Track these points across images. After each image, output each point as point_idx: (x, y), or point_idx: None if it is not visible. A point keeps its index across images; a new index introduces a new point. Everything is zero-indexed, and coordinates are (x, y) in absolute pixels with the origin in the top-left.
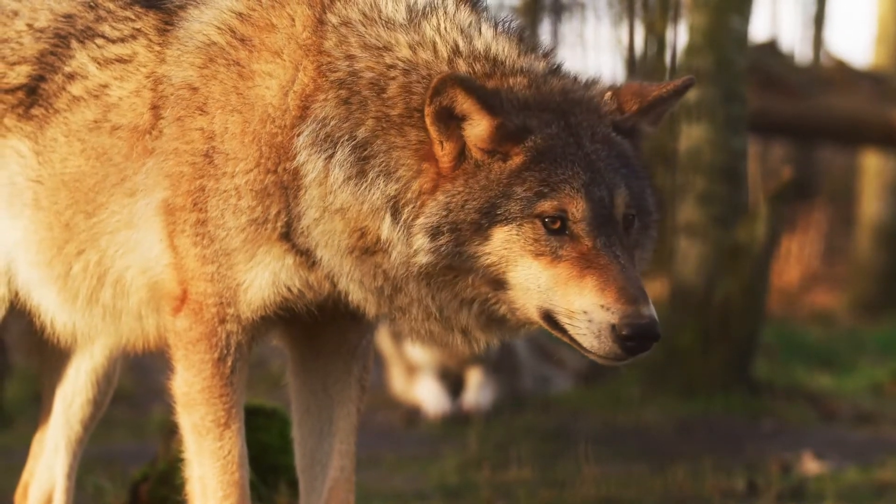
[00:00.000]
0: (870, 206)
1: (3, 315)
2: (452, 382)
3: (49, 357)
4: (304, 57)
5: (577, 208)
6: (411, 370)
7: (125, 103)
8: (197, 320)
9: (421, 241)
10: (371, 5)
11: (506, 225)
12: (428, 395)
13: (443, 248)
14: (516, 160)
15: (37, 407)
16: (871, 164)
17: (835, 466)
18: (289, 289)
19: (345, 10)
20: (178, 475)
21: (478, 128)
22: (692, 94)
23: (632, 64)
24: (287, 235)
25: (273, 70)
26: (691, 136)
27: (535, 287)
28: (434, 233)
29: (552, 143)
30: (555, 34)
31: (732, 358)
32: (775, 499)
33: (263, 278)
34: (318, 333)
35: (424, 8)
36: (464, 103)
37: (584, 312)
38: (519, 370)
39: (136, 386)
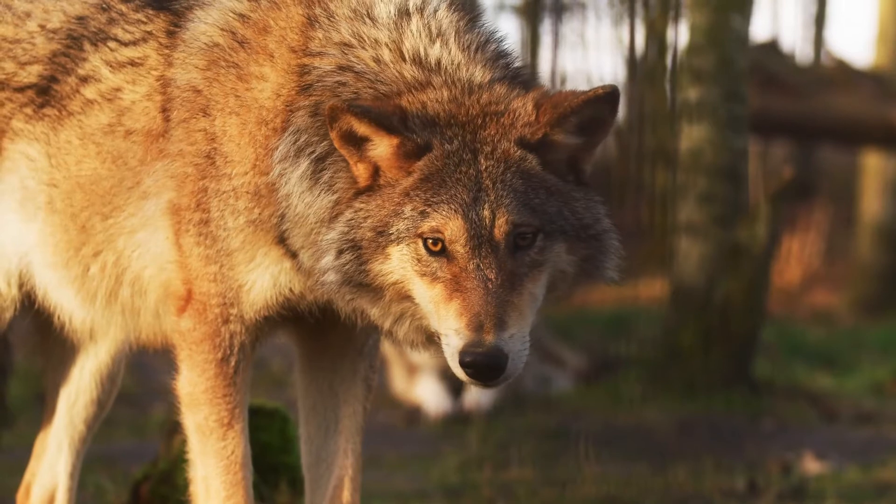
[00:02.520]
0: (870, 205)
1: (11, 315)
2: (453, 382)
3: (53, 356)
4: (293, 59)
5: (452, 229)
6: (412, 370)
7: (138, 107)
8: (200, 320)
9: (326, 259)
10: (364, 3)
11: (398, 244)
12: (429, 394)
13: (346, 267)
14: (410, 178)
15: (39, 406)
16: (872, 164)
17: (835, 466)
18: (291, 290)
19: (334, 7)
20: (179, 475)
21: (379, 148)
22: (693, 94)
23: (632, 64)
24: (283, 238)
25: (267, 73)
26: (692, 135)
27: (426, 307)
28: (338, 250)
29: (446, 161)
30: (555, 34)
31: (733, 357)
32: (776, 498)
33: (264, 280)
34: (325, 332)
35: (411, 8)
36: (360, 127)
37: (445, 335)
38: None
39: (138, 385)
